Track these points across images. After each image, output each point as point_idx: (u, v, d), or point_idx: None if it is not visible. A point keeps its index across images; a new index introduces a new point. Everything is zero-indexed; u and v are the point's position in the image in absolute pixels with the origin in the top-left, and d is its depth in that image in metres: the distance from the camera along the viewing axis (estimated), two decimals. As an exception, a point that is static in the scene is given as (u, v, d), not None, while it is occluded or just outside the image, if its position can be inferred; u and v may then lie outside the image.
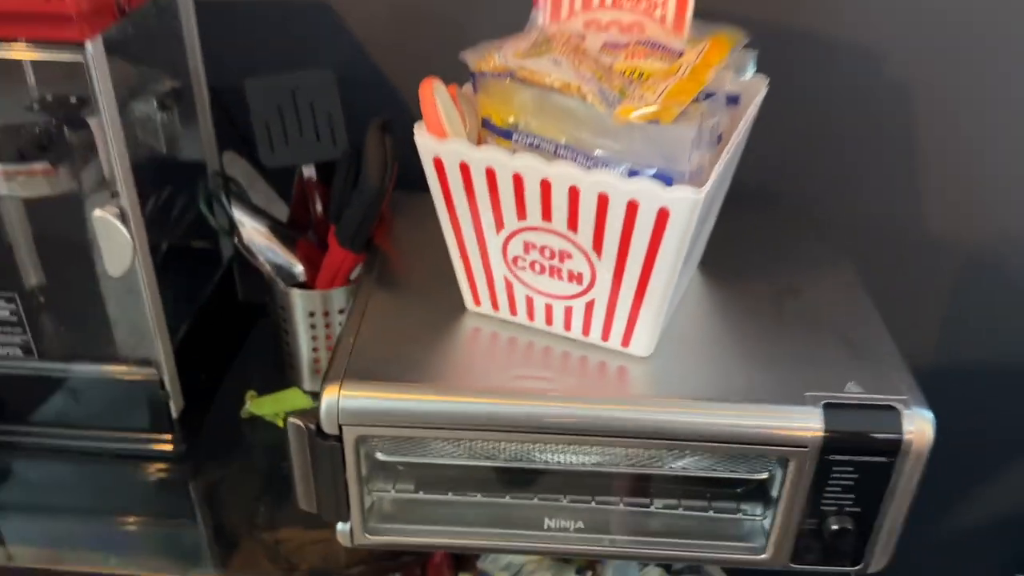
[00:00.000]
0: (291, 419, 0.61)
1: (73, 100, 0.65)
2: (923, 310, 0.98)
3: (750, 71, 0.67)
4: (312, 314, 0.80)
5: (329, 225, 0.82)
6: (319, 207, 0.83)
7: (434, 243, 0.69)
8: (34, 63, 0.66)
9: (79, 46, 0.57)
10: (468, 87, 0.63)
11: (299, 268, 0.80)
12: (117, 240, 0.63)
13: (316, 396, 0.80)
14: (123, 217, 0.63)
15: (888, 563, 0.65)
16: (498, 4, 0.84)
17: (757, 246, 0.77)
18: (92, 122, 0.63)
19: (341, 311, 0.80)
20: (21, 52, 0.58)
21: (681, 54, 0.61)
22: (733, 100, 0.64)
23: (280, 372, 0.86)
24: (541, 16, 0.68)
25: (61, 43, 0.57)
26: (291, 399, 0.81)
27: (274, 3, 0.85)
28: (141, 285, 0.67)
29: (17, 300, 0.69)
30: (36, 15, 0.55)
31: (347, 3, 0.85)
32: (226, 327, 0.89)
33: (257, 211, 0.80)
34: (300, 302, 0.80)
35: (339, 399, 0.60)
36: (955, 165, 0.89)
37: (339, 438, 0.60)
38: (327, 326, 0.81)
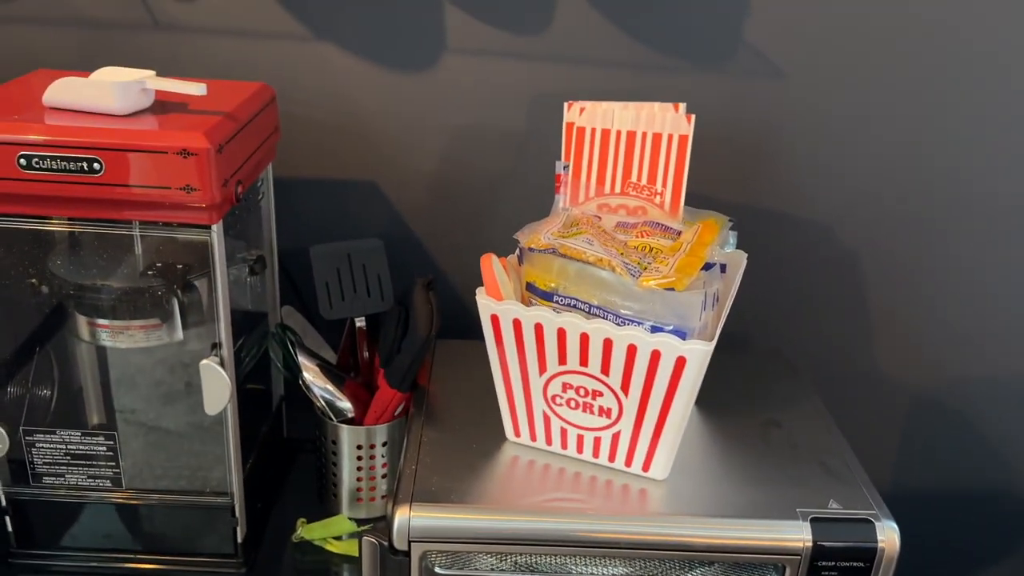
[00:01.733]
0: (365, 537, 0.72)
1: (180, 267, 0.78)
2: (880, 437, 1.12)
3: (731, 245, 0.83)
4: (359, 447, 0.91)
5: (373, 368, 0.94)
6: (366, 353, 0.96)
7: (469, 383, 0.82)
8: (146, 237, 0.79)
9: (206, 228, 0.71)
10: (511, 258, 0.78)
11: (348, 405, 0.91)
12: (218, 384, 0.75)
13: (360, 522, 0.91)
14: (223, 364, 0.75)
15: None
16: (516, 184, 1.01)
17: (740, 384, 0.91)
18: (200, 284, 0.76)
19: (384, 444, 0.91)
20: (160, 231, 0.73)
21: (680, 233, 0.78)
22: (722, 268, 0.80)
23: (321, 501, 0.96)
24: (562, 200, 0.85)
25: (191, 225, 0.71)
26: (339, 525, 0.91)
27: (329, 181, 1.01)
28: (228, 423, 0.78)
29: (116, 438, 0.80)
30: (178, 205, 0.69)
31: (391, 182, 1.01)
32: (275, 461, 0.99)
33: (313, 355, 0.92)
34: (348, 436, 0.91)
35: (409, 519, 0.70)
36: (903, 317, 1.07)
37: (408, 553, 0.71)
38: (372, 457, 0.92)
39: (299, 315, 0.98)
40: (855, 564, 0.71)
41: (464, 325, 1.06)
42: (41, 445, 0.80)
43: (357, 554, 0.88)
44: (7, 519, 0.82)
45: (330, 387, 0.91)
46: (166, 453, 0.85)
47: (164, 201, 0.69)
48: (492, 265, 0.72)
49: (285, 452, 1.02)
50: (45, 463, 0.81)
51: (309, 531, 0.90)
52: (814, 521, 0.71)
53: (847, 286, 1.05)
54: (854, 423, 0.95)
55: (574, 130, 0.83)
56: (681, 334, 0.67)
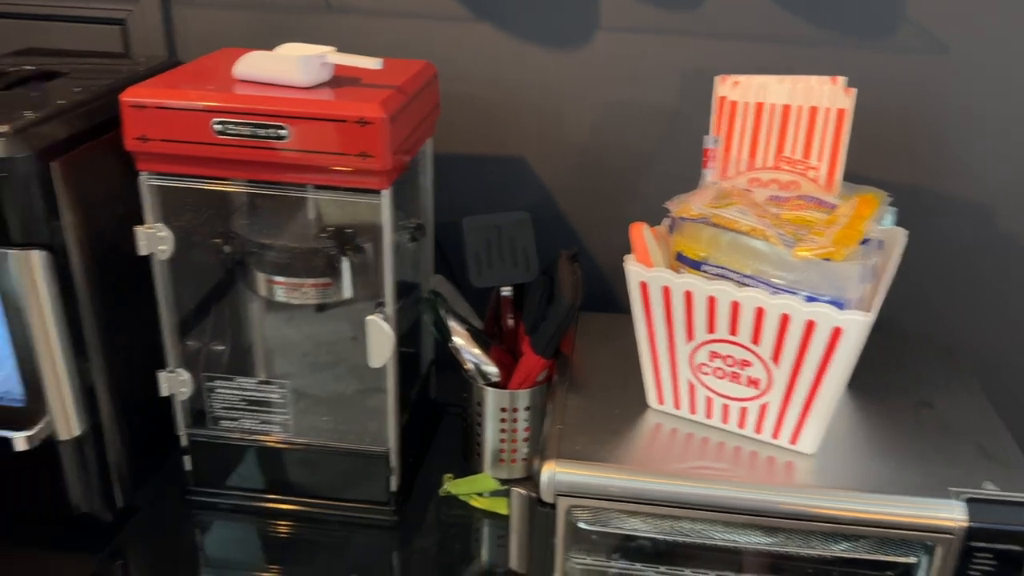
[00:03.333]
0: (515, 489, 0.75)
1: (350, 230, 0.83)
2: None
3: (889, 222, 0.82)
4: (503, 410, 0.95)
5: (517, 336, 0.98)
6: (510, 321, 1.00)
7: (611, 353, 0.84)
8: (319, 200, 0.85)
9: (377, 193, 0.77)
10: (660, 228, 0.79)
11: (495, 370, 0.95)
12: (382, 339, 0.80)
13: (503, 481, 0.95)
14: (387, 321, 0.80)
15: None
16: (661, 161, 1.02)
17: (893, 367, 0.89)
18: (368, 247, 0.82)
19: (527, 408, 0.95)
20: (335, 195, 0.79)
21: (835, 207, 0.77)
22: (879, 245, 0.78)
23: (465, 460, 1.00)
24: (711, 175, 0.85)
25: (364, 190, 0.77)
26: (483, 482, 0.95)
27: (480, 156, 1.05)
28: (388, 377, 0.84)
29: (288, 387, 0.87)
30: (356, 171, 0.75)
31: (541, 158, 1.04)
32: (424, 421, 1.04)
33: (463, 321, 0.96)
34: (493, 399, 0.95)
35: (557, 473, 0.73)
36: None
37: (554, 507, 0.74)
38: (514, 420, 0.95)
39: (449, 284, 1.03)
40: (1012, 548, 0.69)
41: (605, 299, 1.08)
42: (220, 391, 0.88)
43: (500, 511, 0.93)
44: (186, 459, 0.91)
45: (477, 351, 0.95)
46: (330, 404, 0.92)
47: (341, 166, 0.74)
48: (642, 233, 0.74)
49: (432, 414, 1.07)
50: (223, 408, 0.88)
51: (455, 486, 0.95)
52: (970, 501, 0.69)
53: (1013, 272, 1.01)
54: (1017, 418, 0.91)
55: (726, 103, 0.84)
56: (837, 305, 0.67)
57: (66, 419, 0.80)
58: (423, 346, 1.04)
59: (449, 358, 0.99)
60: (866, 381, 0.86)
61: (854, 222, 0.73)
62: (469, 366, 0.95)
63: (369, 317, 0.80)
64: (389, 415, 0.86)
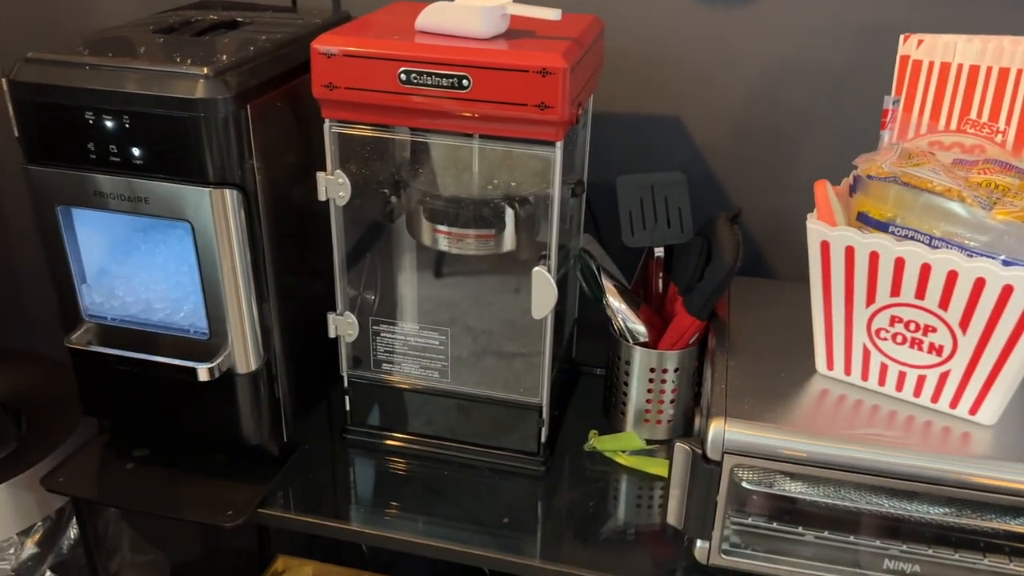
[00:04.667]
0: (679, 444, 0.76)
1: (516, 183, 0.84)
2: None
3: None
4: (652, 370, 0.95)
5: (665, 298, 0.98)
6: (660, 283, 0.99)
7: (770, 318, 0.83)
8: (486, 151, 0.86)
9: (551, 144, 0.77)
10: (839, 188, 0.77)
11: (643, 328, 0.95)
12: (546, 290, 0.81)
13: (649, 442, 0.95)
14: (551, 273, 0.81)
15: None
16: (825, 123, 0.99)
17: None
18: (533, 200, 0.82)
19: (676, 370, 0.95)
20: (502, 145, 0.80)
21: (1027, 172, 0.74)
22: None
23: (606, 417, 1.01)
24: (888, 136, 0.83)
25: (538, 141, 0.78)
26: (628, 440, 0.96)
27: (634, 115, 1.04)
28: (546, 329, 0.85)
29: (448, 334, 0.89)
30: (531, 120, 0.75)
31: (697, 117, 1.03)
32: (568, 378, 1.06)
33: (613, 279, 0.97)
34: (641, 358, 0.95)
35: (724, 431, 0.73)
36: None
37: (719, 464, 0.74)
38: (663, 381, 0.95)
39: (597, 244, 1.03)
40: None
41: (758, 265, 1.07)
42: (384, 335, 0.91)
43: (645, 469, 0.93)
44: (347, 399, 0.94)
45: (627, 309, 0.96)
46: (488, 353, 0.94)
47: (520, 116, 0.75)
48: (827, 190, 0.73)
49: (573, 373, 1.08)
50: (385, 351, 0.91)
51: (601, 442, 0.96)
52: None
53: None
54: None
55: (909, 63, 0.81)
56: (1038, 270, 0.65)
57: (245, 354, 0.84)
58: (568, 305, 1.05)
59: (588, 319, 1.00)
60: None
61: (1053, 187, 0.70)
62: (619, 324, 0.95)
63: (536, 269, 0.81)
64: (544, 368, 0.87)
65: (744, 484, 0.76)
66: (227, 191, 0.77)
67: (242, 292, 0.81)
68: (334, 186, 0.82)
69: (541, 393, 0.89)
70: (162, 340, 0.85)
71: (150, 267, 0.87)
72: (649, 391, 0.96)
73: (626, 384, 0.97)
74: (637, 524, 0.88)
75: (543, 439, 0.91)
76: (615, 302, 0.95)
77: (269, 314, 0.85)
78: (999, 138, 0.79)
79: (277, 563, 1.34)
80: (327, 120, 0.80)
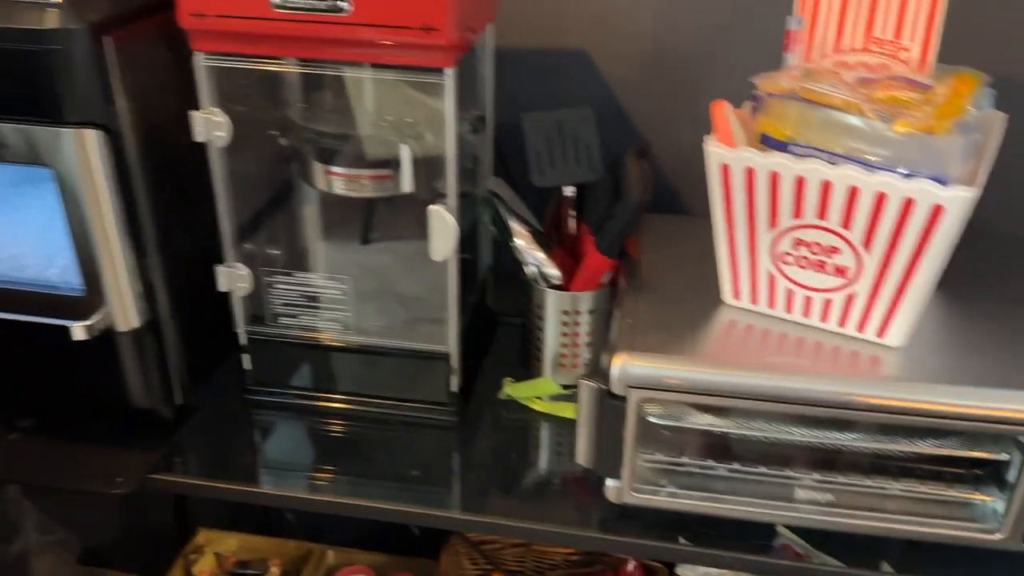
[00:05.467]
0: (584, 381, 0.73)
1: (411, 119, 0.80)
2: None
3: (987, 106, 0.76)
4: (565, 312, 0.92)
5: (578, 239, 0.94)
6: (571, 223, 0.96)
7: (680, 254, 0.81)
8: (379, 87, 0.81)
9: (440, 72, 0.73)
10: (741, 111, 0.75)
11: (556, 272, 0.92)
12: (445, 231, 0.77)
13: (567, 387, 0.93)
14: (450, 212, 0.77)
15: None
16: (733, 52, 0.96)
17: (990, 271, 0.84)
18: (429, 136, 0.78)
19: (590, 311, 0.92)
20: (390, 74, 0.75)
21: (930, 88, 0.72)
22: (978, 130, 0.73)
23: (524, 365, 0.98)
24: (793, 59, 0.80)
25: (425, 68, 0.73)
26: (544, 386, 0.93)
27: (540, 50, 1.00)
28: (450, 273, 0.81)
29: (349, 283, 0.84)
30: (414, 45, 0.71)
31: (602, 51, 0.99)
32: (483, 327, 1.02)
33: (524, 222, 0.93)
34: (555, 301, 0.92)
35: (628, 365, 0.71)
36: None
37: (624, 399, 0.71)
38: (576, 324, 0.92)
39: (507, 186, 0.99)
40: (1119, 444, 0.65)
41: (675, 201, 1.04)
42: (278, 287, 0.86)
43: (562, 415, 0.91)
44: (245, 357, 0.89)
45: (539, 252, 0.92)
46: (391, 302, 0.89)
47: (405, 41, 0.71)
48: (725, 111, 0.70)
49: (488, 322, 1.05)
50: (281, 304, 0.87)
51: (515, 389, 0.93)
52: (1074, 395, 0.65)
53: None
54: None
55: (811, -19, 0.78)
56: (939, 182, 0.62)
57: (124, 311, 0.78)
58: (480, 252, 1.01)
59: (505, 268, 0.96)
60: (960, 282, 0.81)
61: (953, 99, 0.68)
62: (530, 268, 0.92)
63: (432, 207, 0.77)
64: (450, 314, 0.84)
65: (652, 419, 0.74)
66: (89, 132, 0.71)
67: (116, 244, 0.75)
68: (210, 125, 0.77)
69: (449, 341, 0.85)
70: (34, 299, 0.79)
71: (17, 220, 0.80)
72: (564, 335, 0.93)
73: (540, 329, 0.94)
74: (558, 470, 0.86)
75: (454, 388, 0.88)
76: (524, 245, 0.92)
77: (151, 268, 0.79)
78: (904, 55, 0.77)
79: (198, 537, 1.30)
80: (198, 53, 0.75)
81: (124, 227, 0.75)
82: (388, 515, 0.81)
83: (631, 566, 1.16)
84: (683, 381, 0.70)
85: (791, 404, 0.69)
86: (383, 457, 0.86)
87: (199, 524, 1.31)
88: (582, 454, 0.75)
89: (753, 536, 0.77)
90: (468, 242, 0.98)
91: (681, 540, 0.77)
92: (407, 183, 0.81)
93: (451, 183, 0.77)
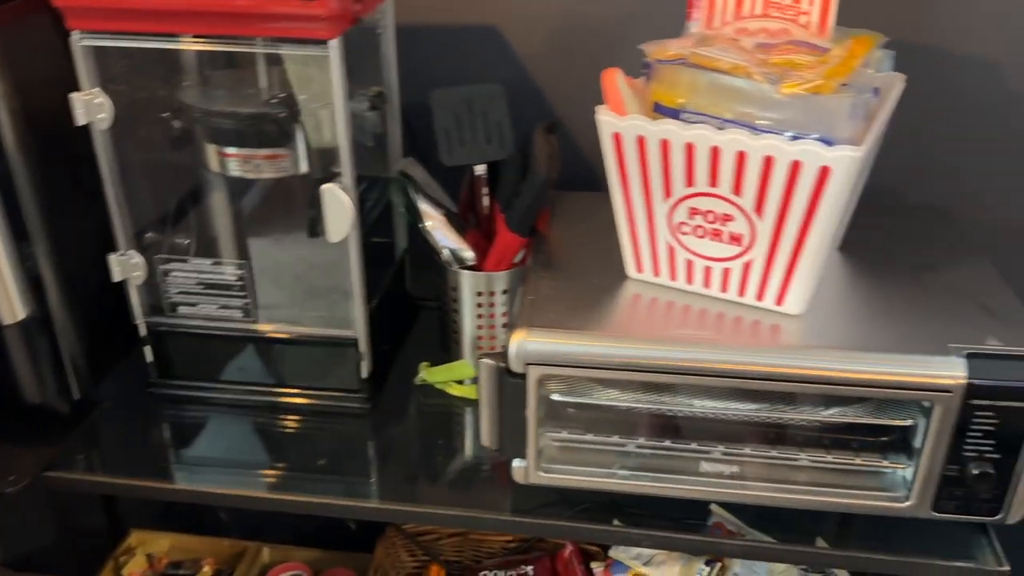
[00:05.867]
0: (483, 360, 0.71)
1: (303, 97, 0.77)
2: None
3: (887, 68, 0.75)
4: (479, 293, 0.90)
5: (493, 219, 0.93)
6: (485, 203, 0.94)
7: (590, 230, 0.79)
8: (271, 62, 0.79)
9: (323, 44, 0.70)
10: (636, 80, 0.73)
11: (470, 253, 0.90)
12: (340, 210, 0.75)
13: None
14: (345, 191, 0.75)
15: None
16: (646, 24, 0.95)
17: (894, 236, 0.84)
18: (324, 114, 0.76)
19: (504, 291, 0.90)
20: (272, 48, 0.72)
21: (827, 51, 0.70)
22: (874, 92, 0.72)
23: (444, 350, 0.96)
24: (695, 27, 0.79)
25: (308, 41, 0.71)
26: (460, 369, 0.91)
27: (449, 26, 0.98)
28: (351, 249, 0.79)
29: (249, 267, 0.82)
30: (293, 16, 0.69)
31: (512, 26, 0.97)
32: (399, 312, 1.00)
33: (436, 203, 0.91)
34: (469, 282, 0.90)
35: (526, 342, 0.69)
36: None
37: (524, 377, 0.69)
38: (491, 305, 0.91)
39: (420, 167, 0.97)
40: (1016, 404, 0.64)
41: (589, 177, 1.02)
42: (175, 274, 0.83)
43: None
44: (147, 349, 0.87)
45: (451, 234, 0.90)
46: (295, 286, 0.87)
47: (284, 12, 0.68)
48: (615, 79, 0.68)
49: (409, 307, 1.03)
50: (179, 293, 0.84)
51: (432, 374, 0.91)
52: (970, 357, 0.64)
53: (1016, 132, 0.94)
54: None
55: (709, -53, 0.77)
56: (826, 143, 0.61)
57: (9, 302, 0.75)
58: (396, 235, 0.99)
59: (424, 251, 0.94)
60: (863, 248, 0.81)
61: (847, 60, 0.66)
62: (442, 250, 0.90)
63: (325, 185, 0.75)
64: (355, 297, 0.82)
65: (555, 396, 0.72)
66: (-43, 117, 0.68)
67: (-6, 231, 0.72)
68: (91, 108, 0.74)
69: (356, 325, 0.83)
70: (-87, 293, 0.76)
71: None
72: (479, 316, 0.91)
73: (456, 312, 0.92)
74: (481, 455, 0.84)
75: (364, 375, 0.86)
76: (434, 226, 0.89)
77: (37, 256, 0.76)
78: (803, 19, 0.76)
79: (130, 538, 1.26)
80: (74, 31, 0.72)
81: (2, 216, 0.72)
82: (293, 507, 0.79)
83: (568, 551, 1.14)
84: (581, 356, 0.68)
85: (689, 376, 0.67)
86: (294, 448, 0.84)
87: (131, 525, 1.28)
88: (487, 435, 0.74)
89: (688, 515, 0.76)
90: (381, 224, 0.96)
91: (615, 522, 0.75)
92: (303, 163, 0.79)
93: (345, 161, 0.75)
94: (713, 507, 0.77)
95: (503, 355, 0.70)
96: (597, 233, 0.84)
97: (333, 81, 0.72)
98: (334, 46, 0.70)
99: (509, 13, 0.97)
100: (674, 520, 0.76)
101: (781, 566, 0.96)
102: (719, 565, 0.95)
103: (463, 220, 0.94)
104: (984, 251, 0.80)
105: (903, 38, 0.91)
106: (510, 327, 0.71)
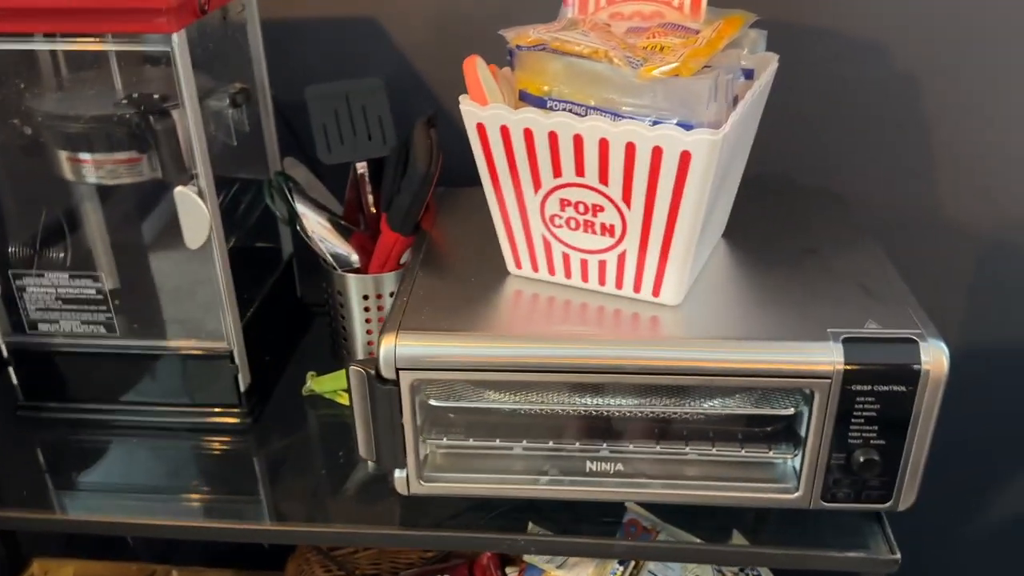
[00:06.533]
0: (352, 367, 0.67)
1: (156, 96, 0.73)
2: (944, 292, 1.01)
3: (761, 50, 0.73)
4: (366, 297, 0.86)
5: (380, 216, 0.89)
6: (370, 201, 0.90)
7: (474, 228, 0.76)
8: (122, 63, 0.74)
9: (166, 38, 0.66)
10: (507, 69, 0.70)
11: (354, 256, 0.86)
12: (196, 215, 0.71)
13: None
14: (201, 195, 0.71)
15: (915, 503, 0.68)
16: (527, 12, 0.92)
17: (780, 220, 0.82)
18: (175, 112, 0.71)
19: (392, 294, 0.87)
20: (113, 44, 0.68)
21: (698, 32, 0.68)
22: (748, 74, 0.70)
23: (336, 358, 0.92)
24: (570, 12, 0.76)
25: (150, 36, 0.66)
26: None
27: (327, 20, 0.94)
28: (215, 256, 0.74)
29: (103, 279, 0.77)
30: (128, 10, 0.64)
31: (392, 18, 0.94)
32: (288, 320, 0.96)
33: (317, 205, 0.87)
34: (355, 285, 0.86)
35: (396, 347, 0.65)
36: (967, 151, 0.94)
37: (396, 383, 0.66)
38: (380, 308, 0.87)
39: (303, 167, 0.93)
40: (895, 388, 0.63)
41: (471, 173, 0.99)
42: (32, 289, 0.78)
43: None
44: (10, 370, 0.81)
45: (332, 236, 0.86)
46: (161, 298, 0.82)
47: (117, 6, 0.64)
48: (476, 68, 0.65)
49: (301, 315, 0.99)
50: (37, 308, 0.79)
51: (319, 383, 0.87)
52: (847, 341, 0.63)
53: (904, 114, 0.93)
54: (915, 274, 0.84)
55: (579, -71, 0.74)
56: (686, 128, 0.59)
57: None
58: (282, 239, 0.95)
59: (314, 255, 0.90)
60: (749, 233, 0.79)
61: (713, 41, 0.64)
62: (325, 254, 0.86)
63: (177, 189, 0.70)
64: (224, 306, 0.77)
65: (432, 402, 0.69)
66: None
67: None
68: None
69: (228, 336, 0.79)
70: None
71: None
72: (368, 320, 0.88)
73: (344, 317, 0.88)
74: (359, 465, 0.80)
75: (243, 388, 0.81)
76: (315, 229, 0.86)
77: None
78: (676, 2, 0.74)
79: (33, 567, 1.20)
80: None
81: None
82: (172, 532, 0.74)
83: (485, 557, 1.11)
84: (455, 359, 0.65)
85: (564, 373, 0.65)
86: (171, 468, 0.79)
87: (33, 554, 1.21)
88: (363, 446, 0.70)
89: (603, 514, 0.74)
90: (264, 228, 0.92)
91: (531, 527, 0.72)
92: (159, 166, 0.74)
93: (199, 162, 0.71)
94: (628, 504, 0.74)
95: (374, 361, 0.67)
96: (478, 230, 0.81)
97: (181, 79, 0.68)
98: (177, 40, 0.66)
99: (387, 5, 0.93)
100: (589, 520, 0.73)
101: (700, 567, 0.95)
102: (633, 564, 0.93)
103: (350, 221, 0.91)
104: (873, 234, 0.79)
105: (789, 20, 0.91)
106: (380, 331, 0.67)
